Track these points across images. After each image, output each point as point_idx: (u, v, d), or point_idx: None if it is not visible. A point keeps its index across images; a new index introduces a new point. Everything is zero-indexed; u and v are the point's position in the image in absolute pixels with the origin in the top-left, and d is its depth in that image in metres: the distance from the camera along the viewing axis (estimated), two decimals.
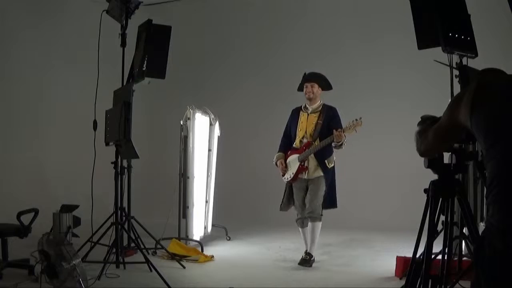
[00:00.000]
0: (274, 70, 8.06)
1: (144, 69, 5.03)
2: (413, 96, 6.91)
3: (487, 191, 1.75)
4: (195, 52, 8.32)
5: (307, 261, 5.05)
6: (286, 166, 5.20)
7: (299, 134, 5.18)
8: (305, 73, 5.24)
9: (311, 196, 5.04)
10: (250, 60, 8.17)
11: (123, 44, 5.21)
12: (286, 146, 5.29)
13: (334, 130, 4.83)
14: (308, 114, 5.18)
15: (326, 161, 5.08)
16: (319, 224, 5.05)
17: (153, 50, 5.09)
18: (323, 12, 7.83)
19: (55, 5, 7.66)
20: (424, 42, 4.21)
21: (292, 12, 8.04)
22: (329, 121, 5.04)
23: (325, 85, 5.21)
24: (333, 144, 4.93)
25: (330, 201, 5.14)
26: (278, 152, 5.34)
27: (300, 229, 5.24)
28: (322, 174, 5.07)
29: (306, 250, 5.17)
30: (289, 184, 5.27)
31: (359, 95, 7.20)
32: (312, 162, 5.09)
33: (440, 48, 4.12)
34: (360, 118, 4.85)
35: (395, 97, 7.20)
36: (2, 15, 7.20)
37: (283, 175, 5.26)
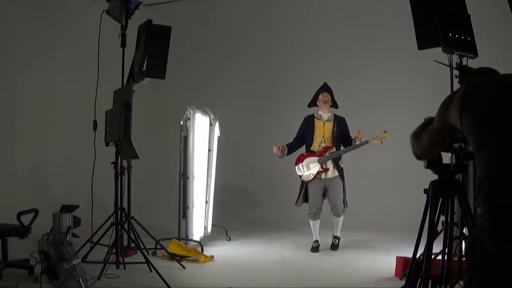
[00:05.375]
0: (274, 70, 8.06)
1: (144, 69, 5.03)
2: (413, 96, 6.91)
3: (477, 191, 1.76)
4: (195, 52, 8.32)
5: (336, 245, 5.81)
6: (281, 151, 5.82)
7: (317, 139, 5.80)
8: (325, 83, 5.89)
9: (334, 196, 5.71)
10: (250, 60, 8.17)
11: (123, 44, 5.21)
12: (293, 147, 5.93)
13: (359, 131, 5.53)
14: (324, 122, 5.81)
15: (339, 162, 5.75)
16: (342, 218, 5.77)
17: (153, 50, 5.09)
18: (323, 12, 7.83)
19: (55, 5, 7.67)
20: (424, 42, 4.22)
21: (293, 13, 8.04)
22: (342, 130, 5.78)
23: (334, 102, 5.88)
24: (356, 143, 5.57)
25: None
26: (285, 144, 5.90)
27: (311, 221, 5.80)
28: (337, 174, 5.71)
29: (318, 240, 5.81)
30: (305, 183, 5.80)
31: (359, 95, 7.20)
32: (329, 164, 5.72)
33: (440, 48, 4.12)
34: (386, 132, 5.52)
35: (394, 97, 7.20)
36: (2, 15, 7.20)
37: (302, 175, 5.78)
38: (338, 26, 7.69)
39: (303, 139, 5.90)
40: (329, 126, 5.78)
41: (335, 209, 5.69)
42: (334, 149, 5.74)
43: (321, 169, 5.69)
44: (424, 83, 6.84)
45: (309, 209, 5.77)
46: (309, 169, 5.74)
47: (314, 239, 5.82)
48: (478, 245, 1.71)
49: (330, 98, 5.80)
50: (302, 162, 5.80)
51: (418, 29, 4.23)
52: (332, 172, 5.70)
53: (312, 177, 5.72)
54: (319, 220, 5.78)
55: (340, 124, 5.78)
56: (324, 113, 5.82)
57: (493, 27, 6.23)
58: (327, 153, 5.70)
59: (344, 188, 5.72)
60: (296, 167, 5.84)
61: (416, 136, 2.19)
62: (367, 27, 7.51)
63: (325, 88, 5.86)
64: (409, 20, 4.31)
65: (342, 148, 5.77)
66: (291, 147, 5.92)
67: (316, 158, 5.72)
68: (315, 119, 5.84)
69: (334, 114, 5.85)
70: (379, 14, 7.39)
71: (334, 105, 5.88)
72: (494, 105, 1.78)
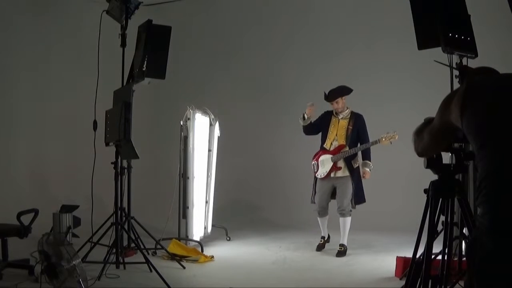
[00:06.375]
0: (275, 70, 8.06)
1: (144, 69, 5.03)
2: (413, 97, 6.91)
3: (477, 191, 1.76)
4: (195, 52, 8.31)
5: (343, 252, 5.57)
6: (310, 114, 5.73)
7: (330, 136, 5.74)
8: (325, 93, 5.70)
9: (341, 195, 5.61)
10: (250, 60, 8.16)
11: (123, 44, 5.21)
12: (309, 129, 5.82)
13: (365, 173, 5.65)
14: (339, 120, 5.73)
15: (352, 161, 5.65)
16: (349, 219, 5.61)
17: (153, 50, 5.09)
18: (324, 12, 7.83)
19: (55, 5, 7.66)
20: (424, 42, 4.21)
21: (294, 12, 8.04)
22: (358, 128, 5.67)
23: (346, 92, 5.70)
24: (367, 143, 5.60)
25: (360, 197, 5.70)
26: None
27: (318, 218, 5.80)
28: (348, 174, 5.62)
29: (324, 236, 5.84)
30: (316, 179, 5.79)
31: (359, 95, 7.19)
32: (340, 162, 5.64)
33: (440, 48, 4.12)
34: (395, 132, 5.42)
35: (395, 97, 7.20)
36: (2, 15, 7.20)
37: (316, 172, 5.71)
38: (338, 26, 7.69)
39: (316, 129, 5.82)
40: (344, 124, 5.69)
41: (341, 209, 5.59)
42: (347, 148, 5.63)
43: (334, 167, 5.63)
44: (424, 83, 6.84)
45: (316, 207, 5.78)
46: (323, 166, 5.69)
47: (321, 235, 5.86)
48: (478, 245, 1.71)
49: (341, 102, 5.65)
50: (317, 159, 5.76)
51: (418, 29, 4.23)
52: (342, 171, 5.63)
53: (325, 174, 5.66)
54: (326, 217, 5.77)
55: (356, 122, 5.67)
56: (340, 113, 5.74)
57: (493, 27, 6.23)
58: (341, 152, 5.62)
59: (353, 189, 5.62)
60: (312, 163, 5.81)
61: (418, 133, 2.20)
62: (367, 26, 7.51)
63: (333, 96, 5.66)
64: (409, 20, 4.31)
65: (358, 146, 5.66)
66: (310, 126, 5.81)
67: (330, 156, 5.66)
68: (332, 116, 5.76)
69: (351, 112, 5.73)
70: (379, 14, 7.39)
71: (346, 92, 5.68)
72: (494, 105, 1.78)
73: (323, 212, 5.74)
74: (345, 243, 5.62)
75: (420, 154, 2.25)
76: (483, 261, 1.69)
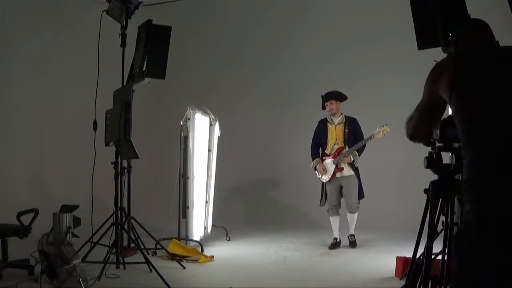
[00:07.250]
0: (274, 70, 8.06)
1: (144, 69, 5.03)
2: (413, 96, 6.87)
3: (463, 188, 1.78)
4: (195, 52, 8.32)
5: (354, 242, 5.96)
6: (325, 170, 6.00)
7: (330, 142, 6.04)
8: (322, 95, 5.98)
9: (348, 194, 5.94)
10: (250, 60, 8.17)
11: (123, 44, 5.21)
12: (318, 153, 6.12)
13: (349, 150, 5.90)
14: (335, 125, 6.02)
15: (354, 162, 5.96)
16: (356, 215, 5.96)
17: (153, 50, 5.08)
18: (324, 12, 7.83)
19: (55, 5, 7.67)
20: (424, 42, 4.21)
21: (294, 12, 8.04)
22: (354, 131, 6.00)
23: (341, 97, 6.01)
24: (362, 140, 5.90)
25: (360, 193, 6.01)
26: (315, 159, 6.09)
27: (330, 217, 6.03)
28: (353, 173, 5.93)
29: (336, 238, 6.00)
30: (324, 184, 6.05)
31: (359, 95, 7.20)
32: (343, 163, 5.94)
33: (440, 48, 4.12)
34: (387, 125, 5.70)
35: (394, 97, 7.18)
36: (2, 15, 7.20)
37: (321, 177, 6.03)
38: (338, 26, 7.69)
39: (320, 142, 6.13)
40: (341, 128, 6.00)
41: (349, 206, 5.92)
42: (347, 149, 5.92)
43: (337, 169, 5.90)
44: (423, 83, 6.83)
45: (327, 206, 6.02)
46: (327, 171, 5.96)
47: (334, 236, 6.00)
48: (464, 241, 1.74)
49: (336, 105, 5.95)
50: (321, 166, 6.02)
51: (418, 29, 4.23)
52: (347, 171, 5.92)
53: (329, 177, 5.94)
54: (338, 217, 5.98)
55: (351, 126, 5.99)
56: (335, 118, 6.01)
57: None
58: (341, 153, 5.90)
59: (360, 186, 5.95)
60: (315, 171, 6.05)
61: (409, 119, 2.25)
62: (367, 27, 7.51)
63: (329, 96, 5.97)
64: (409, 20, 4.31)
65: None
66: (318, 154, 6.11)
67: (331, 160, 5.94)
68: (327, 123, 6.05)
69: (345, 116, 6.03)
70: (379, 14, 7.39)
71: (342, 98, 5.99)
72: (482, 99, 1.79)
73: (335, 211, 5.96)
74: (353, 232, 5.97)
75: (411, 136, 2.25)
76: (469, 256, 1.71)
